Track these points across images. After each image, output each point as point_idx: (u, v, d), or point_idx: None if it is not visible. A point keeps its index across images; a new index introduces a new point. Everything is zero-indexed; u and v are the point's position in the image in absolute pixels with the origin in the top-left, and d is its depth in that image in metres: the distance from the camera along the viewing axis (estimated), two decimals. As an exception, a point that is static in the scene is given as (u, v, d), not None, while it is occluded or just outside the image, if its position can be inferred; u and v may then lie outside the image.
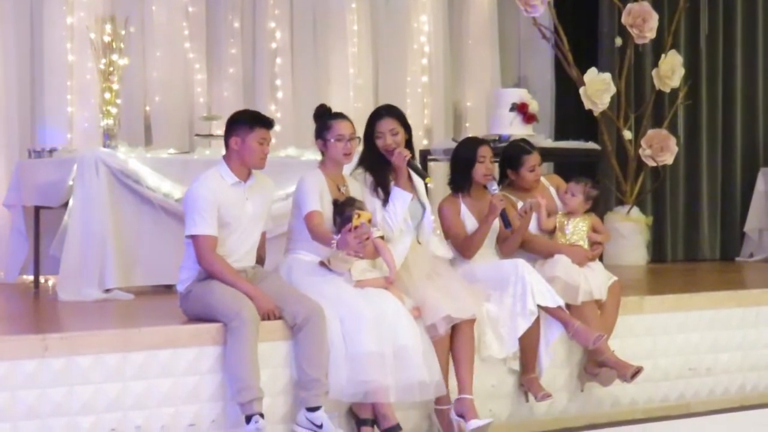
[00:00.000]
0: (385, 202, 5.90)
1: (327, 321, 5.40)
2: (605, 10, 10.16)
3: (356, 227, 5.41)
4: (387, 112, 6.06)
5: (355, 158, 6.02)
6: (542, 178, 6.63)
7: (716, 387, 6.81)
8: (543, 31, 9.67)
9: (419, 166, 5.89)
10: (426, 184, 6.06)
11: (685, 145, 10.30)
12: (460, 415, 5.72)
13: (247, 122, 5.61)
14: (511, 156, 6.50)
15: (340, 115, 5.91)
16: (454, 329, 5.75)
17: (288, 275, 5.74)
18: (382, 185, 5.93)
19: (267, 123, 5.66)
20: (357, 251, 5.45)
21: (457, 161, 6.31)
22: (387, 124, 5.98)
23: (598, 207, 6.76)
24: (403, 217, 5.93)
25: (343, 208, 5.70)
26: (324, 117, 5.89)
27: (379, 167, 5.97)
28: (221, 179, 5.58)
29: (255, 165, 5.64)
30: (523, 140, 6.80)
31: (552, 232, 6.42)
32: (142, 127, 8.94)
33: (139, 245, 7.13)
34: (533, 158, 6.44)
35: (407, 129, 6.03)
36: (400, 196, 5.90)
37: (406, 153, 5.88)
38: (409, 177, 6.00)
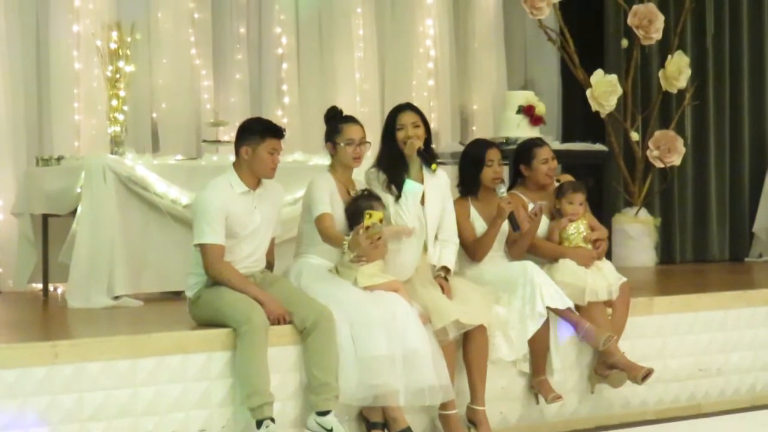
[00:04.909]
0: (398, 198, 5.86)
1: (336, 324, 5.40)
2: (611, 12, 10.13)
3: (367, 227, 5.38)
4: (409, 106, 6.09)
5: (368, 162, 6.02)
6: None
7: (727, 387, 6.81)
8: (549, 33, 9.65)
9: (425, 154, 5.91)
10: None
11: (692, 146, 10.26)
12: (471, 422, 5.73)
13: (258, 132, 5.58)
14: (523, 151, 6.49)
15: (351, 119, 5.91)
16: (466, 336, 5.76)
17: (297, 279, 5.73)
18: (395, 182, 5.90)
19: (278, 133, 5.62)
20: (368, 252, 5.44)
21: (466, 164, 6.30)
22: (409, 117, 5.99)
23: (603, 208, 6.67)
24: (415, 213, 5.87)
25: (357, 201, 5.67)
26: (335, 119, 5.89)
27: (395, 165, 5.94)
28: (230, 188, 5.55)
29: (265, 175, 5.63)
30: (536, 138, 6.84)
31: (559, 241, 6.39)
32: (149, 133, 8.93)
33: (147, 252, 7.14)
34: (545, 151, 6.44)
35: (427, 129, 6.04)
36: (411, 187, 5.88)
37: (418, 143, 5.88)
38: (421, 170, 5.95)
